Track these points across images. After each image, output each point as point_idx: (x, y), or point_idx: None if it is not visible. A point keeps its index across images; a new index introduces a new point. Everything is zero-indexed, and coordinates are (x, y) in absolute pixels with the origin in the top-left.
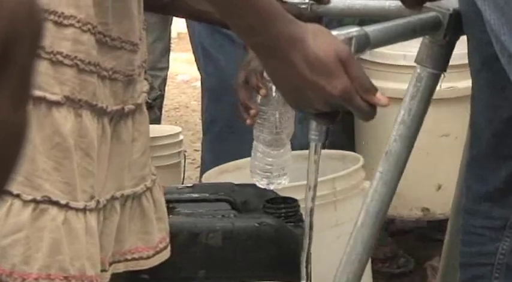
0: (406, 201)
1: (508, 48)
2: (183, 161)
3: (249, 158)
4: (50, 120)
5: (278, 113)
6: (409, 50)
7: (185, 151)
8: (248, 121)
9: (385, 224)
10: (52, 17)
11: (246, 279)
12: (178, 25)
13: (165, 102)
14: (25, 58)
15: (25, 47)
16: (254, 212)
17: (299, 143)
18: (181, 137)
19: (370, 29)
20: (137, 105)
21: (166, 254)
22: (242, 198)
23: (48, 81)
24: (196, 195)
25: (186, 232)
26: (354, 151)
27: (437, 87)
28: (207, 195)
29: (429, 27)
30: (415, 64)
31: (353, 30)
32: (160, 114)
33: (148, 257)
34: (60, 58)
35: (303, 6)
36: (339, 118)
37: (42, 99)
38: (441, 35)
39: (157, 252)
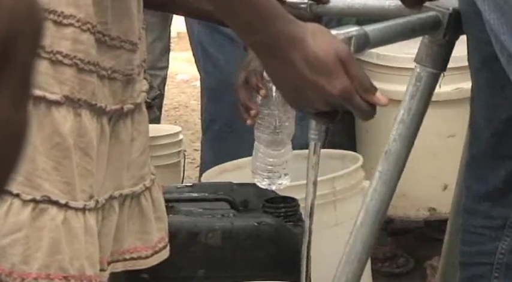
0: (413, 202)
1: (507, 48)
2: (182, 160)
3: (248, 158)
4: (49, 120)
5: (278, 113)
6: (414, 52)
7: (185, 151)
8: (248, 121)
9: (384, 224)
10: (52, 16)
11: (245, 278)
12: (178, 24)
13: (164, 101)
14: (25, 57)
15: (25, 46)
16: (253, 212)
17: (298, 142)
18: (180, 136)
19: (369, 28)
20: (136, 104)
21: (165, 254)
22: (241, 198)
23: (47, 80)
24: (195, 194)
25: (185, 231)
26: (354, 151)
27: (445, 89)
28: (207, 194)
29: (429, 27)
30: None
31: (352, 30)
32: (160, 113)
33: (146, 257)
34: (60, 57)
35: (302, 6)
36: (339, 118)
37: (41, 99)
38: (441, 34)
39: (156, 252)
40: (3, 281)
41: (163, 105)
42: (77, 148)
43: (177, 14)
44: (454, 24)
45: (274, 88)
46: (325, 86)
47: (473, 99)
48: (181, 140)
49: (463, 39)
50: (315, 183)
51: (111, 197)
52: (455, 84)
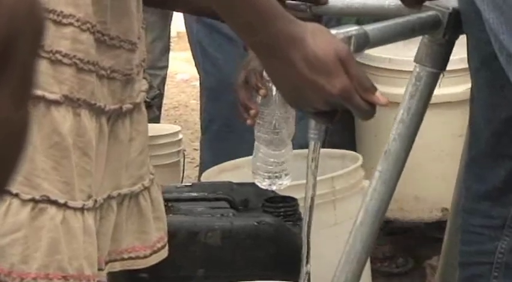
0: (426, 204)
1: (506, 47)
2: (182, 160)
3: (248, 157)
4: (48, 120)
5: (278, 113)
6: (413, 54)
7: (184, 150)
8: (248, 121)
9: (383, 223)
10: (51, 15)
11: (245, 278)
12: (178, 24)
13: (164, 101)
14: (26, 56)
15: (26, 45)
16: (253, 211)
17: (298, 142)
18: (180, 136)
19: (369, 28)
20: (135, 104)
21: (164, 254)
22: (241, 197)
23: (47, 80)
24: (195, 194)
25: (185, 231)
26: (354, 150)
27: (456, 90)
28: (206, 194)
29: (428, 26)
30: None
31: (352, 29)
32: (160, 113)
33: (145, 257)
34: (59, 57)
35: (302, 7)
36: (338, 117)
37: (41, 99)
38: (440, 34)
39: (155, 252)
40: (2, 280)
41: (163, 105)
42: (76, 148)
43: (177, 11)
44: (453, 24)
45: (273, 88)
46: (324, 85)
47: (473, 99)
48: (180, 140)
49: None
50: (314, 183)
51: (110, 197)
52: (467, 85)
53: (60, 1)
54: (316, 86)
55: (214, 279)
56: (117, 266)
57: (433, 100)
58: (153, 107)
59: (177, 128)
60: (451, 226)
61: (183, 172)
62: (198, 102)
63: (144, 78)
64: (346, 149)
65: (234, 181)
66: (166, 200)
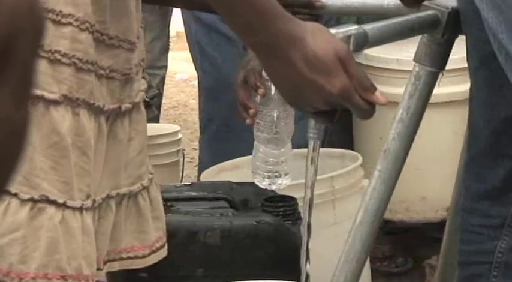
0: (431, 204)
1: (505, 46)
2: (181, 159)
3: (247, 157)
4: (47, 119)
5: (277, 112)
6: (412, 55)
7: (184, 150)
8: (248, 121)
9: (383, 223)
10: (50, 15)
11: (244, 277)
12: (177, 24)
13: (164, 100)
14: (26, 55)
15: (26, 44)
16: (252, 211)
17: (297, 142)
18: (180, 135)
19: (368, 27)
20: (134, 103)
21: (162, 253)
22: (241, 197)
23: (46, 80)
24: (194, 193)
25: (184, 230)
26: (352, 150)
27: (461, 89)
28: (206, 193)
29: (428, 26)
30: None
31: (351, 29)
32: (159, 112)
33: (144, 256)
34: (58, 57)
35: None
36: (338, 116)
37: (40, 98)
38: (440, 33)
39: (154, 252)
40: (1, 280)
41: (163, 105)
42: (75, 147)
43: (176, 6)
44: (453, 23)
45: (273, 87)
46: (324, 85)
47: (472, 98)
48: (180, 139)
49: None
50: (313, 182)
51: (108, 196)
52: None
53: (60, 0)
54: (316, 86)
55: (213, 278)
56: (116, 266)
57: (439, 99)
58: (153, 106)
59: (176, 127)
60: (451, 225)
61: (183, 172)
62: (197, 101)
63: (143, 77)
64: (346, 149)
65: (234, 181)
66: (165, 200)
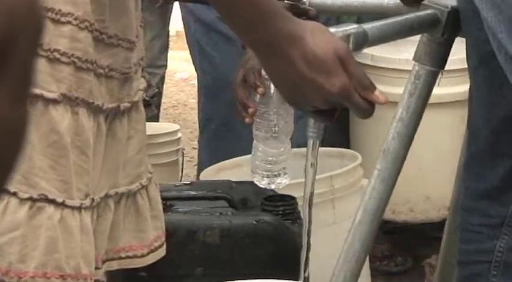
0: (434, 203)
1: (505, 46)
2: (181, 158)
3: (246, 156)
4: (46, 118)
5: (277, 112)
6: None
7: (183, 149)
8: (247, 120)
9: (382, 222)
10: (49, 14)
11: (243, 276)
12: (177, 23)
13: (163, 100)
14: (25, 55)
15: (25, 43)
16: (252, 210)
17: (296, 141)
18: (179, 134)
19: (368, 26)
20: (133, 103)
21: (161, 253)
22: (240, 196)
23: (45, 79)
24: (194, 192)
25: (183, 230)
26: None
27: (464, 89)
28: (205, 192)
29: (427, 25)
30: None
31: (351, 28)
32: (159, 112)
33: (142, 256)
34: (57, 55)
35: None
36: (337, 115)
37: (39, 97)
38: (439, 32)
39: (152, 251)
40: (0, 280)
41: (162, 104)
42: (74, 146)
43: (177, 0)
44: (452, 23)
45: (272, 86)
46: (324, 84)
47: (472, 98)
48: (179, 138)
49: None
50: (313, 182)
51: (107, 196)
52: None
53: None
54: (316, 85)
55: (212, 277)
56: (115, 265)
57: (439, 100)
58: (152, 105)
59: (176, 126)
60: (450, 225)
61: (182, 171)
62: (197, 101)
63: (143, 76)
64: (345, 148)
65: (233, 180)
66: (165, 199)
